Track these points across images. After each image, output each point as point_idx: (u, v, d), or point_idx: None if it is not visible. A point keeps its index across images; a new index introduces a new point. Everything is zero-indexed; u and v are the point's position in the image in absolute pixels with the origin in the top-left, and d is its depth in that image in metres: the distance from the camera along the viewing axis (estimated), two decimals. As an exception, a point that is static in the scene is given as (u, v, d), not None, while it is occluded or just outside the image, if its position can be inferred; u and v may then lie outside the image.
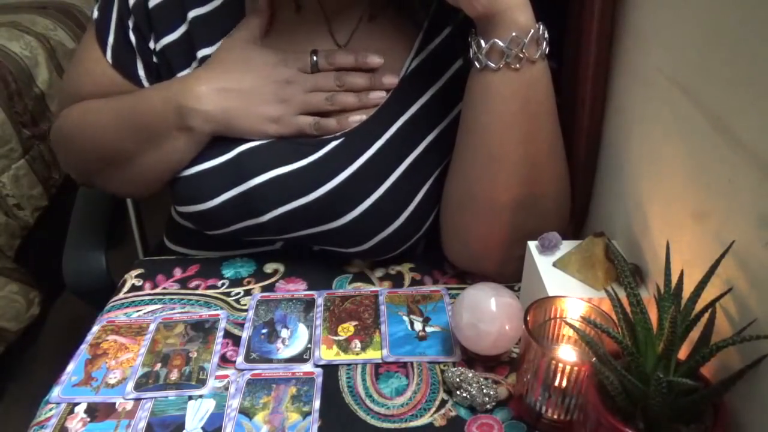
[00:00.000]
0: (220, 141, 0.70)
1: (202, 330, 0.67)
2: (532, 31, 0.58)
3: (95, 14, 0.77)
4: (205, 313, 0.69)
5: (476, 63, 0.61)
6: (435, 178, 0.71)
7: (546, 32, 0.60)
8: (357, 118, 0.69)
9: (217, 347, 0.64)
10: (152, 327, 0.67)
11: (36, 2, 1.84)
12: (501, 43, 0.58)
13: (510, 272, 0.70)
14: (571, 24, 0.67)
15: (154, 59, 0.75)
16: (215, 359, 0.63)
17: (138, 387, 0.60)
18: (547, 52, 0.61)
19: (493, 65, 0.59)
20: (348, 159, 0.68)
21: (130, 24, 0.75)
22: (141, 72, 0.76)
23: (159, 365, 0.62)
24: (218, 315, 0.68)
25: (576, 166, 0.69)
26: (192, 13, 0.73)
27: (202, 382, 0.60)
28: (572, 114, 0.68)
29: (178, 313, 0.69)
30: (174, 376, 0.61)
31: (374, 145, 0.69)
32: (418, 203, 0.70)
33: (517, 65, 0.59)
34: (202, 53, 0.73)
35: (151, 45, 0.75)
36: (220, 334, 0.66)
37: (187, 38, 0.74)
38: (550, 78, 0.63)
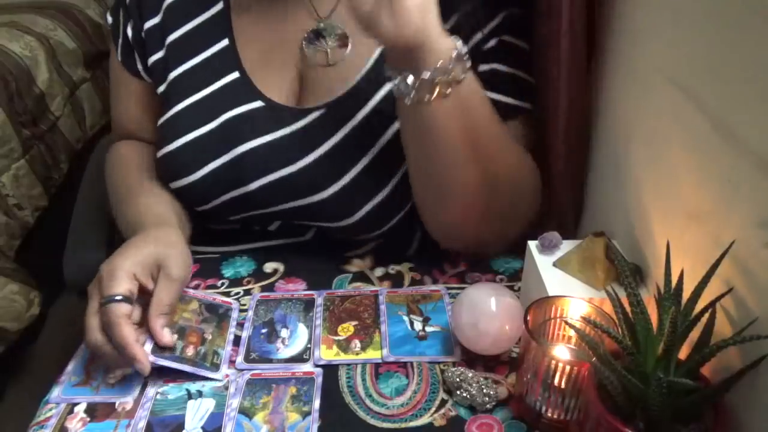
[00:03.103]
0: (204, 108, 0.73)
1: (216, 314, 0.67)
2: (455, 52, 0.57)
3: (109, 19, 0.83)
4: (219, 297, 0.70)
5: (406, 100, 0.59)
6: None
7: (464, 47, 0.58)
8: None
9: (230, 336, 0.65)
10: None
11: (36, 2, 1.84)
12: (430, 75, 0.57)
13: (491, 246, 0.71)
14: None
15: (139, 49, 0.79)
16: (228, 348, 0.64)
17: (154, 351, 0.60)
18: (469, 65, 0.59)
19: (426, 98, 0.58)
20: (331, 129, 0.70)
21: (131, 23, 0.79)
22: (139, 66, 0.80)
23: (176, 336, 0.62)
24: (230, 303, 0.69)
25: (558, 168, 0.71)
26: (167, 1, 0.78)
27: (216, 366, 0.61)
28: (547, 123, 0.69)
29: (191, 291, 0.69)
30: (190, 352, 0.61)
31: (356, 116, 0.70)
32: (404, 173, 0.70)
33: (448, 90, 0.58)
34: (169, 39, 0.77)
35: (136, 34, 0.79)
36: (233, 323, 0.67)
37: (162, 25, 0.77)
38: (478, 82, 0.61)
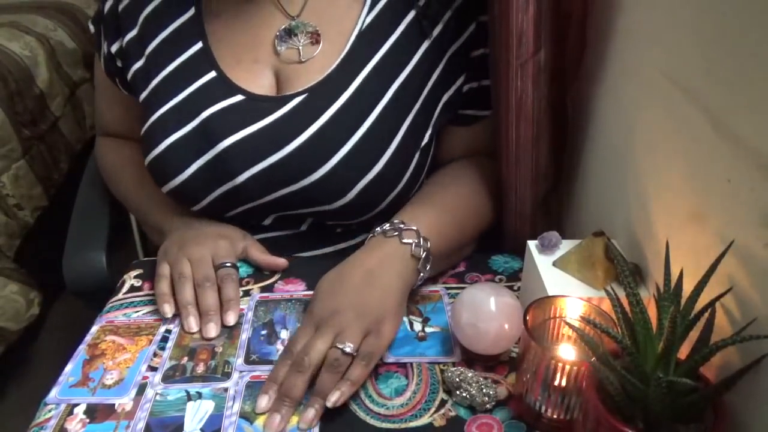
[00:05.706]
0: (184, 109, 0.74)
1: (227, 325, 0.67)
2: (416, 253, 0.65)
3: (91, 28, 0.84)
4: None
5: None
6: (410, 120, 0.73)
7: (425, 251, 0.66)
8: None
9: (242, 342, 0.65)
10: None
11: (36, 2, 1.84)
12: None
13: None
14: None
15: (118, 63, 0.81)
16: (241, 352, 0.63)
17: (165, 379, 0.60)
18: (425, 256, 0.65)
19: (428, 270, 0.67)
20: (315, 113, 0.71)
21: (107, 41, 0.81)
22: (117, 81, 0.83)
23: (186, 359, 0.63)
24: (242, 310, 0.69)
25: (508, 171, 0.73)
26: (144, 13, 0.79)
27: (227, 375, 0.61)
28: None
29: None
30: (200, 369, 0.62)
31: (340, 98, 0.71)
32: (396, 147, 0.72)
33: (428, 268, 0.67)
34: (149, 48, 0.77)
35: (114, 48, 0.81)
36: (246, 326, 0.66)
37: (140, 36, 0.78)
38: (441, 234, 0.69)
